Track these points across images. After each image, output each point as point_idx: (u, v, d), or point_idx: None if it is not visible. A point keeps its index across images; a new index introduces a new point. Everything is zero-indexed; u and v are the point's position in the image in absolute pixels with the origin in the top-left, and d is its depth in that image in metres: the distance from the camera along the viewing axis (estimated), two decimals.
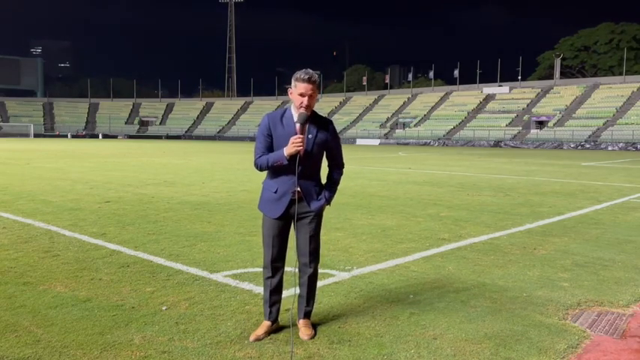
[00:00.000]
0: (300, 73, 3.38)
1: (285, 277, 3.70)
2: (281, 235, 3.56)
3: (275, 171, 3.48)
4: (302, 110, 3.39)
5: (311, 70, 3.41)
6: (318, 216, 3.60)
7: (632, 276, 5.12)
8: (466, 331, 3.64)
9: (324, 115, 3.63)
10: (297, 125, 3.40)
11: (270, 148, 3.46)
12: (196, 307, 4.04)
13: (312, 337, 3.50)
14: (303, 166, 3.43)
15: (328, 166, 3.71)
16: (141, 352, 3.22)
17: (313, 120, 3.49)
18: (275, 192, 3.50)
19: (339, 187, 3.77)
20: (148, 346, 3.32)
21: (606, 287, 4.74)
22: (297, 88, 3.38)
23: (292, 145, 3.33)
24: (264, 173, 3.62)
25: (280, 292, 3.67)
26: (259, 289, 4.43)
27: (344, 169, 3.75)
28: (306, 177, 3.50)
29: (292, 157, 3.37)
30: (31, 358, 3.13)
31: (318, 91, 3.50)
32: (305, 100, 3.37)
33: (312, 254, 3.61)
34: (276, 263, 3.59)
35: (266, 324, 3.57)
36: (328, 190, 3.65)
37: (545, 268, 5.37)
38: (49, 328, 3.56)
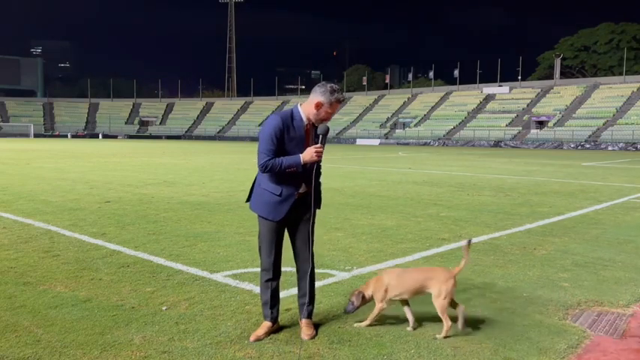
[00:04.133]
0: (341, 95, 3.44)
1: (284, 278, 3.71)
2: (280, 239, 3.60)
3: (281, 174, 3.47)
4: (323, 123, 3.47)
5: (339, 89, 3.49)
6: (313, 215, 3.64)
7: (632, 276, 5.12)
8: (466, 331, 3.64)
9: None
10: (308, 130, 3.49)
11: (278, 151, 3.42)
12: (196, 307, 4.05)
13: (313, 337, 3.50)
14: (309, 169, 3.49)
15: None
16: (141, 352, 3.22)
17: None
18: (279, 195, 3.49)
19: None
20: (148, 346, 3.32)
21: (606, 287, 4.74)
22: (333, 107, 3.44)
23: (314, 155, 3.36)
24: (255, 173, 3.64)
25: (279, 294, 3.68)
26: (259, 290, 4.42)
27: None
28: (311, 179, 3.55)
29: (305, 164, 3.41)
30: (31, 358, 3.13)
31: None
32: (331, 116, 3.49)
33: (311, 252, 3.64)
34: (277, 266, 3.61)
35: (267, 324, 3.58)
36: (319, 190, 3.70)
37: (545, 268, 5.37)
38: (49, 328, 3.57)
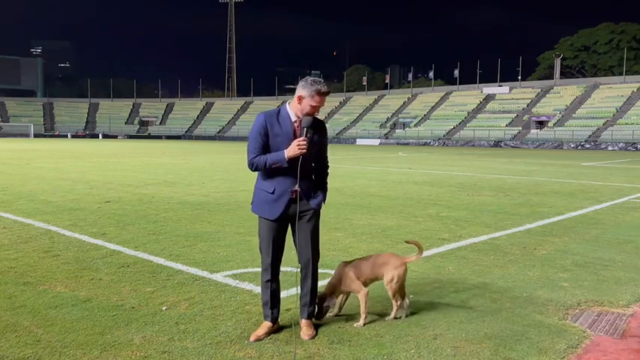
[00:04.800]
0: (321, 86, 3.40)
1: (284, 278, 3.71)
2: (280, 238, 3.57)
3: (271, 171, 3.48)
4: (309, 114, 3.44)
5: (324, 82, 3.46)
6: (316, 214, 3.62)
7: (632, 276, 5.12)
8: (466, 331, 3.64)
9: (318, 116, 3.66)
10: (297, 127, 3.45)
11: (265, 148, 3.46)
12: (196, 307, 4.04)
13: (313, 338, 3.50)
14: (301, 166, 3.45)
15: (315, 165, 3.71)
16: (141, 352, 3.22)
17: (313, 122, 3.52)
18: (272, 192, 3.49)
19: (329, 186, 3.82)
20: (148, 346, 3.32)
21: (606, 287, 4.74)
22: (315, 99, 3.40)
23: (297, 148, 3.34)
24: (256, 175, 3.63)
25: (279, 294, 3.68)
26: (259, 289, 4.42)
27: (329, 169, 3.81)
28: (304, 176, 3.52)
29: (291, 159, 3.38)
30: (31, 358, 3.13)
31: None
32: (317, 110, 3.45)
33: (314, 253, 3.62)
34: (276, 266, 3.60)
35: (267, 324, 3.57)
36: (321, 189, 3.68)
37: (545, 268, 5.37)
38: (49, 328, 3.56)
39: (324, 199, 3.66)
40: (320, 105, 3.43)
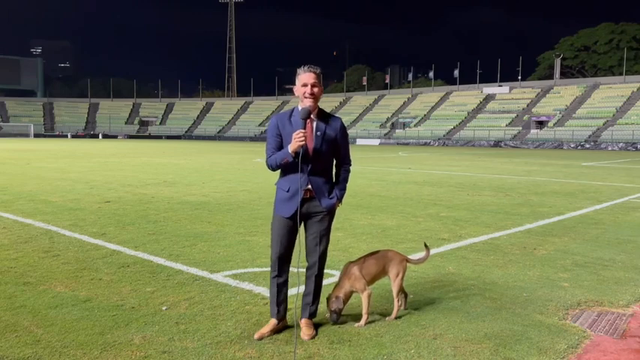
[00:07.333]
0: (305, 66, 3.44)
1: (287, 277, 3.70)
2: (290, 234, 3.56)
3: (286, 170, 3.51)
4: (307, 101, 3.42)
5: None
6: (329, 215, 3.62)
7: (632, 276, 5.12)
8: (466, 331, 3.64)
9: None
10: (309, 124, 3.45)
11: (280, 148, 3.49)
12: (196, 307, 4.04)
13: (313, 337, 3.50)
14: (312, 162, 3.45)
15: (335, 164, 3.72)
16: (141, 352, 3.22)
17: (322, 117, 3.53)
18: (287, 191, 3.51)
19: (347, 185, 3.79)
20: (148, 346, 3.32)
21: (606, 287, 4.74)
22: (300, 79, 3.42)
23: (295, 141, 3.33)
24: (275, 174, 3.65)
25: (286, 291, 3.68)
26: (259, 289, 4.44)
27: (351, 167, 3.77)
28: (317, 174, 3.52)
29: (298, 154, 3.38)
30: (31, 358, 3.13)
31: (321, 87, 3.51)
32: (308, 88, 3.40)
33: (321, 254, 3.62)
34: (283, 262, 3.59)
35: (273, 322, 3.58)
36: (338, 188, 3.67)
37: (545, 268, 5.37)
38: (49, 328, 3.56)
39: (339, 200, 3.64)
40: (307, 81, 3.39)
